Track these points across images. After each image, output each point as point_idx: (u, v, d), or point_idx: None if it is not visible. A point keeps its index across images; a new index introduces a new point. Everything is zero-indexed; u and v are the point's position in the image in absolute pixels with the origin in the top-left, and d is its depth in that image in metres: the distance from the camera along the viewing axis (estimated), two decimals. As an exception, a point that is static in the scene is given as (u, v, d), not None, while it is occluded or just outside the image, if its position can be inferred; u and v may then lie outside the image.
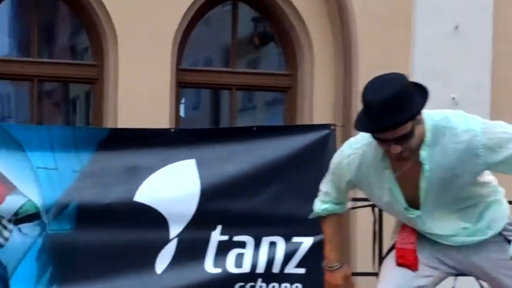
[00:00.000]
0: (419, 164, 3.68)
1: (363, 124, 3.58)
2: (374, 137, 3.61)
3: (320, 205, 4.14)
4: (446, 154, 3.65)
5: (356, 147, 3.86)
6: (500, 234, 3.88)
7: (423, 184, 3.69)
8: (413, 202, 3.77)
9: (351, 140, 3.95)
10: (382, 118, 3.48)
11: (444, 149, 3.65)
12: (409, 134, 3.54)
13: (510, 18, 8.90)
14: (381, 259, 7.11)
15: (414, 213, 3.77)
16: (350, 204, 4.19)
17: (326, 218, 4.14)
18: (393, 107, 3.47)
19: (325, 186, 4.11)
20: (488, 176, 3.89)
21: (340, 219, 4.18)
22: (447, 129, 3.65)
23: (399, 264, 3.89)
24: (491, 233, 3.86)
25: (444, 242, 3.88)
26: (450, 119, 3.68)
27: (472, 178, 3.70)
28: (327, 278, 4.13)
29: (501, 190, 3.97)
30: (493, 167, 3.68)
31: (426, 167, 3.65)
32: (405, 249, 3.90)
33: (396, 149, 3.54)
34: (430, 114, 3.67)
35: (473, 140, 3.62)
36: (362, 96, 3.59)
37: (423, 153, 3.64)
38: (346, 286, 4.12)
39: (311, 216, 4.23)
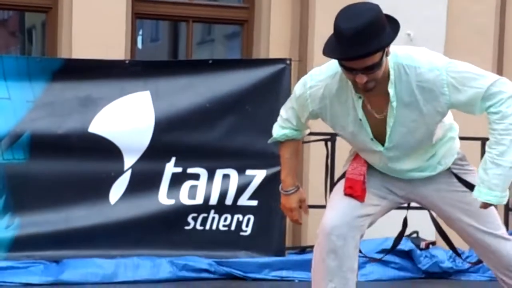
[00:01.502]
0: (385, 102, 3.69)
1: (333, 50, 3.55)
2: (341, 65, 3.58)
3: (279, 130, 4.08)
4: (411, 92, 3.66)
5: (318, 79, 3.84)
6: (448, 169, 3.94)
7: (390, 121, 3.71)
8: (379, 138, 3.79)
9: (314, 71, 3.91)
10: (354, 46, 3.46)
11: (409, 88, 3.66)
12: (377, 65, 3.52)
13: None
14: (332, 185, 7.25)
15: (378, 146, 3.80)
16: (308, 131, 4.17)
17: (284, 143, 4.10)
18: (365, 36, 3.45)
19: (285, 112, 4.05)
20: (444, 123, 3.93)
21: (298, 145, 4.17)
22: (411, 67, 3.65)
23: (347, 194, 3.91)
24: (440, 168, 3.92)
25: (395, 176, 3.94)
26: (413, 58, 3.67)
27: (439, 117, 3.72)
28: (283, 201, 4.11)
29: (456, 127, 4.02)
30: (457, 106, 3.69)
31: (394, 103, 3.67)
32: (354, 180, 3.93)
33: (362, 78, 3.52)
34: (393, 52, 3.66)
35: (437, 79, 3.63)
36: (334, 24, 3.56)
37: (391, 91, 3.65)
38: (301, 209, 4.14)
39: (269, 141, 4.20)
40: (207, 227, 7.01)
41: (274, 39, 8.80)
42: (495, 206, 3.93)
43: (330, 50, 3.57)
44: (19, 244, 6.64)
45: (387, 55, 3.59)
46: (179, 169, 6.95)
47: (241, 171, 7.05)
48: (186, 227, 6.97)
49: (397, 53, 3.68)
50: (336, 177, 6.91)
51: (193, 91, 7.03)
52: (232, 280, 6.80)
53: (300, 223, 4.20)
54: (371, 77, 3.55)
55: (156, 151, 6.89)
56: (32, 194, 6.72)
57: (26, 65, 6.86)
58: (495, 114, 3.63)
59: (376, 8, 3.56)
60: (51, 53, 8.47)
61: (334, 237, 3.83)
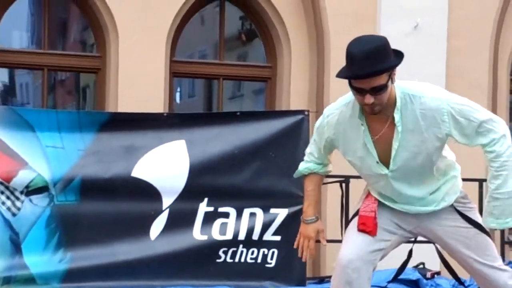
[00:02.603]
0: (392, 127, 3.67)
1: (345, 72, 3.58)
2: (352, 87, 3.58)
3: (303, 165, 4.06)
4: (415, 119, 3.64)
5: (334, 108, 3.85)
6: (451, 205, 3.88)
7: (395, 144, 3.68)
8: (384, 162, 3.75)
9: (330, 105, 3.94)
10: (363, 66, 3.48)
11: (413, 115, 3.64)
12: (383, 87, 3.53)
13: (463, 16, 8.91)
14: (347, 222, 7.19)
15: (383, 170, 3.75)
16: (331, 167, 4.11)
17: (307, 177, 4.06)
18: (373, 58, 3.48)
19: (309, 148, 4.06)
20: (448, 152, 3.90)
21: (320, 180, 4.10)
22: (416, 97, 3.64)
23: (360, 230, 3.87)
24: (443, 204, 3.86)
25: (402, 210, 3.88)
26: (419, 89, 3.68)
27: (438, 143, 3.69)
28: (302, 230, 4.06)
29: (458, 167, 3.98)
30: (454, 135, 3.67)
31: (399, 128, 3.65)
32: (366, 216, 3.88)
33: (370, 99, 3.53)
34: (400, 84, 3.68)
35: (439, 108, 3.62)
36: (346, 50, 3.58)
37: (396, 116, 3.64)
38: (318, 239, 4.08)
39: (295, 175, 4.15)
40: (236, 259, 6.92)
41: (294, 93, 8.83)
42: (492, 238, 3.93)
43: (342, 72, 3.60)
44: (71, 276, 6.58)
45: (392, 81, 3.60)
46: (211, 209, 6.89)
47: (266, 209, 6.97)
48: (218, 260, 6.89)
49: (405, 85, 3.69)
50: (350, 214, 6.88)
51: (223, 140, 7.00)
52: (259, 307, 6.71)
53: (312, 255, 4.09)
54: (377, 99, 3.56)
55: (191, 193, 6.84)
56: (82, 232, 6.68)
57: (78, 118, 6.89)
58: (491, 153, 3.66)
59: (383, 38, 3.64)
60: (100, 107, 8.54)
61: (349, 270, 3.78)
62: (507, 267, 3.93)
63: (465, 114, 3.65)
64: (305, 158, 4.07)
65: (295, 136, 7.08)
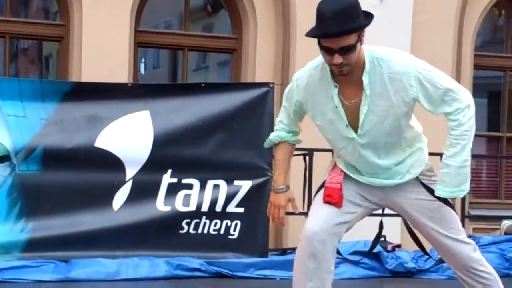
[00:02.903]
0: (361, 92, 3.65)
1: (314, 30, 3.52)
2: (320, 47, 3.54)
3: (273, 134, 4.00)
4: (383, 83, 3.63)
5: (303, 72, 3.82)
6: (417, 178, 3.86)
7: (363, 108, 3.66)
8: (353, 127, 3.72)
9: (299, 70, 3.89)
10: (332, 25, 3.44)
11: (381, 79, 3.63)
12: (352, 47, 3.49)
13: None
14: (310, 199, 7.20)
15: (352, 133, 3.73)
16: (300, 137, 4.02)
17: (278, 145, 3.98)
18: (342, 17, 3.44)
19: (279, 116, 4.00)
20: (416, 122, 3.89)
21: (291, 149, 4.01)
22: (384, 61, 3.62)
23: (326, 202, 3.83)
24: (408, 176, 3.84)
25: (367, 183, 3.87)
26: (387, 53, 3.66)
27: (405, 108, 3.67)
28: (272, 199, 3.95)
29: (425, 139, 3.97)
30: (421, 100, 3.65)
31: (367, 92, 3.63)
32: (332, 188, 3.84)
33: (338, 59, 3.49)
34: (369, 47, 3.66)
35: (406, 72, 3.61)
36: (316, 9, 3.53)
37: (365, 80, 3.62)
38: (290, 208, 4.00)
39: (265, 145, 4.09)
40: (199, 231, 6.95)
41: (259, 66, 8.82)
42: (456, 211, 3.91)
43: (311, 31, 3.55)
44: (32, 246, 6.57)
45: (361, 42, 3.56)
46: (174, 180, 6.90)
47: (229, 181, 6.99)
48: (181, 231, 6.91)
49: (374, 49, 3.67)
50: (313, 187, 6.91)
51: (187, 111, 7.00)
52: (221, 278, 6.72)
53: (283, 224, 4.04)
54: (346, 59, 3.52)
55: (155, 164, 6.84)
56: (44, 201, 6.66)
57: (40, 87, 6.84)
58: (453, 122, 3.66)
59: None
60: (63, 77, 8.48)
61: (315, 242, 3.76)
62: (470, 240, 3.92)
63: (432, 81, 3.65)
64: (275, 127, 4.04)
65: (260, 108, 7.10)
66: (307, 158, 7.42)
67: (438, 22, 8.99)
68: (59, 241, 6.61)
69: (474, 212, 9.24)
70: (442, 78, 3.68)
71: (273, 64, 8.84)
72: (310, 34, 3.56)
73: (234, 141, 7.01)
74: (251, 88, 7.26)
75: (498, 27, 10.36)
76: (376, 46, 3.73)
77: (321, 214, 3.82)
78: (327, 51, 3.54)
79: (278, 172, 3.97)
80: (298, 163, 7.63)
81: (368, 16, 3.58)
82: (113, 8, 8.32)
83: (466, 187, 3.73)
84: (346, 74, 3.61)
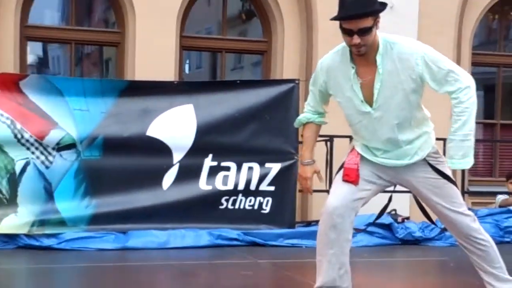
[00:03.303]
0: (375, 71, 3.62)
1: (337, 15, 3.55)
2: (342, 29, 3.54)
3: (302, 115, 3.99)
4: (393, 62, 3.60)
5: (326, 57, 3.81)
6: (424, 159, 3.81)
7: (377, 84, 3.63)
8: (368, 102, 3.69)
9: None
10: (352, 9, 3.47)
11: (392, 59, 3.60)
12: (369, 29, 3.47)
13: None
14: (331, 179, 7.16)
15: (367, 107, 3.69)
16: (326, 119, 3.99)
17: (306, 125, 3.96)
18: (361, 3, 3.47)
19: (307, 100, 3.98)
20: (424, 108, 3.82)
21: (317, 129, 3.98)
22: (395, 44, 3.60)
23: (344, 181, 3.79)
24: (417, 158, 3.79)
25: (381, 164, 3.81)
26: (398, 39, 3.64)
27: (413, 84, 3.63)
28: (300, 171, 3.93)
29: (432, 125, 3.91)
30: (427, 79, 3.61)
31: (380, 70, 3.61)
32: (350, 168, 3.80)
33: (357, 39, 3.49)
34: (383, 35, 3.64)
35: (414, 53, 3.58)
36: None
37: (378, 59, 3.60)
38: (314, 179, 3.96)
39: (295, 125, 4.04)
40: (236, 206, 6.93)
41: (286, 65, 8.79)
42: (458, 187, 3.86)
43: (335, 16, 3.56)
44: (96, 220, 6.59)
45: (377, 27, 3.55)
46: (215, 163, 6.87)
47: (262, 164, 6.95)
48: (220, 207, 6.89)
49: (387, 36, 3.64)
50: (334, 168, 6.87)
51: (226, 104, 6.96)
52: (255, 246, 6.71)
53: (311, 192, 4.00)
54: (363, 40, 3.51)
55: (198, 150, 6.81)
56: (105, 182, 6.66)
57: (100, 85, 6.84)
58: (455, 100, 3.61)
59: None
60: (120, 76, 8.51)
61: (335, 216, 3.74)
62: (470, 212, 3.88)
63: (437, 62, 3.61)
64: (304, 110, 4.00)
65: (287, 101, 7.04)
66: (328, 143, 7.37)
67: (439, 26, 8.87)
68: (118, 216, 6.62)
69: (472, 189, 9.17)
70: (446, 61, 3.65)
71: (298, 63, 8.80)
72: (333, 18, 3.57)
73: (265, 130, 6.95)
74: (280, 84, 7.19)
75: (492, 29, 10.25)
76: (390, 34, 3.70)
77: (340, 191, 3.79)
78: (347, 33, 3.54)
79: (305, 148, 3.94)
80: (320, 148, 7.59)
81: (383, 4, 3.57)
82: (162, 17, 8.33)
83: (471, 159, 3.66)
84: (363, 55, 3.59)
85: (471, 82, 3.64)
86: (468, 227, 3.82)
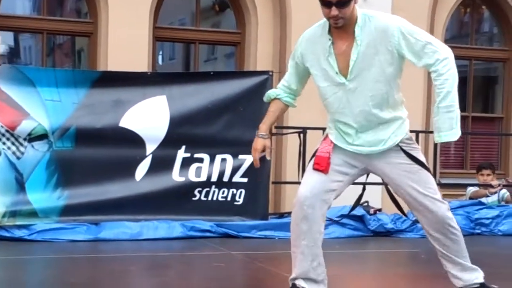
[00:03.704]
0: (352, 43, 3.63)
1: None
2: (321, 2, 3.56)
3: (272, 90, 3.98)
4: (371, 34, 3.62)
5: (309, 30, 3.81)
6: (397, 145, 3.79)
7: (353, 56, 3.63)
8: (344, 74, 3.68)
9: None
10: None
11: (370, 31, 3.62)
12: (347, 2, 3.50)
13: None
14: (304, 169, 7.19)
15: (341, 79, 3.68)
16: (295, 103, 3.98)
17: (273, 101, 3.93)
18: None
19: (284, 76, 3.96)
20: (399, 90, 3.80)
21: (283, 107, 3.96)
22: (373, 17, 3.63)
23: (315, 169, 3.78)
24: (390, 143, 3.77)
25: (355, 151, 3.79)
26: (376, 13, 3.68)
27: (389, 56, 3.64)
28: (253, 143, 3.87)
29: (406, 112, 3.89)
30: (403, 50, 3.63)
31: (358, 41, 3.62)
32: (321, 156, 3.79)
33: (335, 11, 3.51)
34: (362, 10, 3.67)
35: (390, 25, 3.61)
36: None
37: (357, 31, 3.61)
38: (264, 153, 3.88)
39: (265, 99, 3.99)
40: (209, 198, 6.92)
41: (260, 56, 8.80)
42: (432, 175, 3.85)
43: None
44: (68, 211, 6.54)
45: (355, 1, 3.58)
46: (188, 154, 6.85)
47: (235, 156, 6.94)
48: (194, 198, 6.88)
49: (366, 11, 3.68)
50: (307, 159, 6.87)
51: (199, 96, 6.94)
52: (228, 238, 6.72)
53: (258, 165, 3.90)
54: (341, 12, 3.53)
55: (171, 141, 6.79)
56: (77, 173, 6.62)
57: (72, 75, 6.78)
58: (434, 73, 3.63)
59: None
60: (92, 67, 8.45)
61: (305, 206, 3.74)
62: (444, 201, 3.87)
63: (414, 34, 3.64)
64: (278, 85, 3.99)
65: (260, 93, 6.87)
66: (301, 135, 7.39)
67: (412, 19, 8.75)
68: (90, 207, 6.59)
69: (444, 181, 9.24)
70: (423, 33, 3.68)
71: (271, 55, 8.80)
72: None
73: (239, 121, 6.93)
74: (253, 76, 7.17)
75: (464, 23, 10.32)
76: (369, 10, 3.73)
77: (311, 181, 3.78)
78: (326, 4, 3.56)
79: (264, 121, 3.92)
80: (294, 140, 7.63)
81: None
82: (134, 7, 8.29)
83: (458, 130, 3.66)
84: (341, 27, 3.60)
85: (449, 54, 3.65)
86: (443, 214, 3.80)
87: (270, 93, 3.98)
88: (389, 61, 3.66)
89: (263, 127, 3.88)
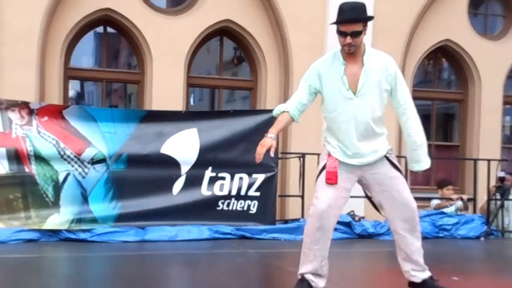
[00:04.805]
0: (360, 68, 3.61)
1: (337, 20, 3.58)
2: (338, 32, 3.56)
3: (284, 106, 3.73)
4: (375, 63, 3.62)
5: (318, 60, 3.73)
6: (384, 156, 3.72)
7: (362, 77, 3.60)
8: (352, 90, 3.61)
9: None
10: (348, 15, 3.53)
11: (374, 61, 3.63)
12: (359, 33, 3.51)
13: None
14: (304, 187, 7.17)
15: (351, 95, 3.62)
16: (299, 119, 3.74)
17: (282, 113, 3.69)
18: (355, 11, 3.54)
19: (293, 96, 3.75)
20: (384, 111, 3.77)
21: (290, 119, 3.72)
22: (377, 52, 3.67)
23: (328, 183, 3.64)
24: (380, 154, 3.70)
25: (353, 163, 3.69)
26: (380, 51, 3.72)
27: (385, 84, 3.63)
28: (262, 140, 3.63)
29: (387, 132, 3.84)
30: (392, 86, 3.65)
31: (366, 67, 3.61)
32: (331, 171, 3.66)
33: (349, 40, 3.50)
34: (369, 47, 3.71)
35: (391, 64, 3.65)
36: (339, 7, 3.58)
37: (365, 59, 3.61)
38: (267, 149, 3.63)
39: (274, 113, 3.75)
40: (230, 208, 6.92)
41: (269, 98, 8.81)
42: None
43: (335, 20, 3.60)
44: (121, 218, 6.58)
45: (364, 32, 3.58)
46: (213, 174, 6.88)
47: (250, 175, 6.96)
48: (218, 208, 6.88)
49: (371, 48, 3.72)
50: (306, 178, 6.87)
51: (222, 128, 6.96)
52: (245, 239, 6.70)
53: (259, 159, 3.66)
54: (354, 41, 3.54)
55: (200, 163, 6.82)
56: (128, 189, 6.65)
57: (125, 114, 6.85)
58: (403, 115, 3.72)
59: (363, 3, 3.63)
60: (140, 107, 8.49)
61: (322, 219, 3.62)
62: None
63: (403, 83, 3.70)
64: (288, 100, 3.79)
65: (269, 126, 6.95)
66: (301, 159, 7.39)
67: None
68: (138, 215, 6.61)
69: (412, 195, 9.15)
70: (407, 89, 3.74)
71: (277, 97, 8.82)
72: (333, 22, 3.60)
73: (252, 148, 6.61)
74: (263, 113, 7.15)
75: (428, 71, 10.34)
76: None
77: (326, 197, 3.63)
78: (342, 34, 3.56)
79: (274, 126, 3.72)
80: (295, 162, 7.64)
81: (371, 16, 3.65)
82: (173, 61, 8.36)
83: (429, 160, 3.79)
84: (352, 53, 3.60)
85: (416, 115, 3.70)
86: (415, 210, 3.73)
87: (280, 108, 3.77)
88: (385, 88, 3.67)
89: (272, 130, 3.69)
